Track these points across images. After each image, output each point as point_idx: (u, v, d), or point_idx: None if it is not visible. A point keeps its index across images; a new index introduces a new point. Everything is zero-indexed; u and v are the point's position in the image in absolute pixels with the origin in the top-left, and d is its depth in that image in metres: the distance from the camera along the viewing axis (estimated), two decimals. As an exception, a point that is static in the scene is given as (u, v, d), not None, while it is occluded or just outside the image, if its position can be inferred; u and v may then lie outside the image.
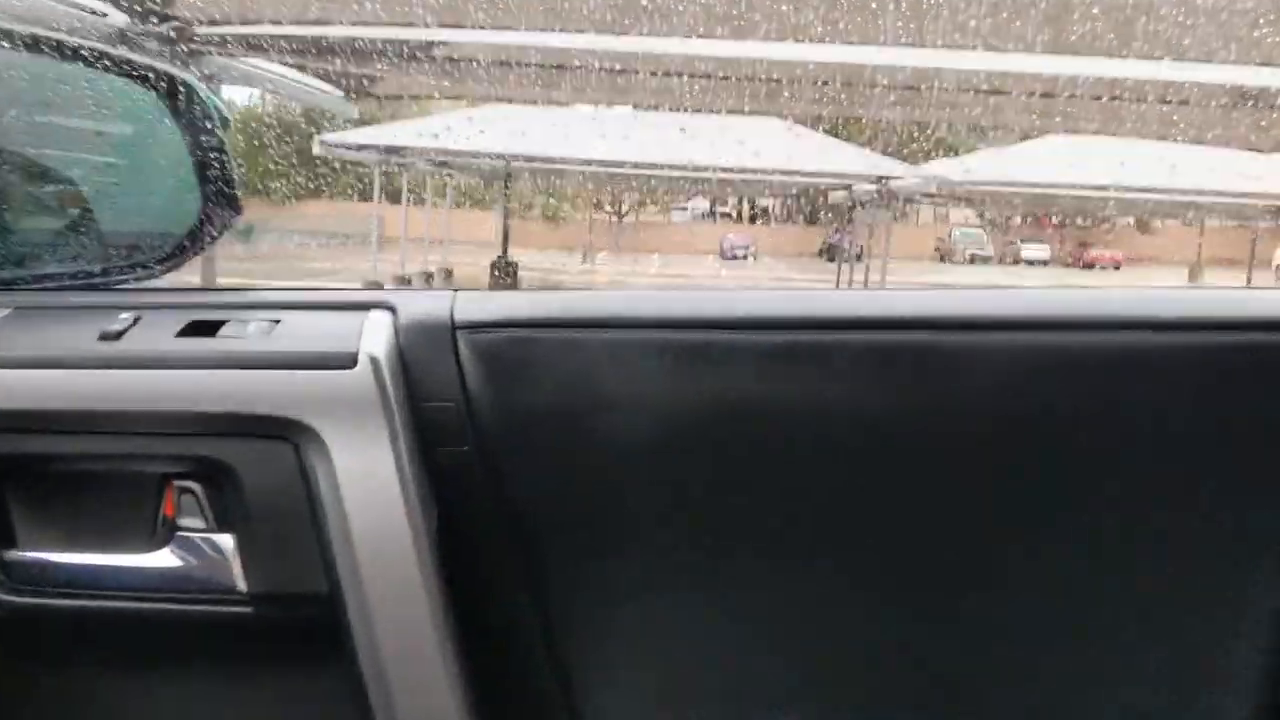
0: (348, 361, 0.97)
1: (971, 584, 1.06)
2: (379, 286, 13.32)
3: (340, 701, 1.00)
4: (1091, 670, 1.07)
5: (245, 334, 1.00)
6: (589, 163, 14.18)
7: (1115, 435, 1.03)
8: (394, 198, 16.31)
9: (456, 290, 1.07)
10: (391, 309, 1.04)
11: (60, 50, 1.17)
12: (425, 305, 1.04)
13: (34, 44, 1.17)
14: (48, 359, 0.97)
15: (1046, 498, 1.03)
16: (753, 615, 1.07)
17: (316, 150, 13.22)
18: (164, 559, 0.99)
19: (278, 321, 1.02)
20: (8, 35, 1.13)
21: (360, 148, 13.98)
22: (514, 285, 14.70)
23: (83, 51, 1.16)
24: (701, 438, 1.02)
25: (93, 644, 1.05)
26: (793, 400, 1.01)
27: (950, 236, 29.63)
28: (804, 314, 1.04)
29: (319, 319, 1.04)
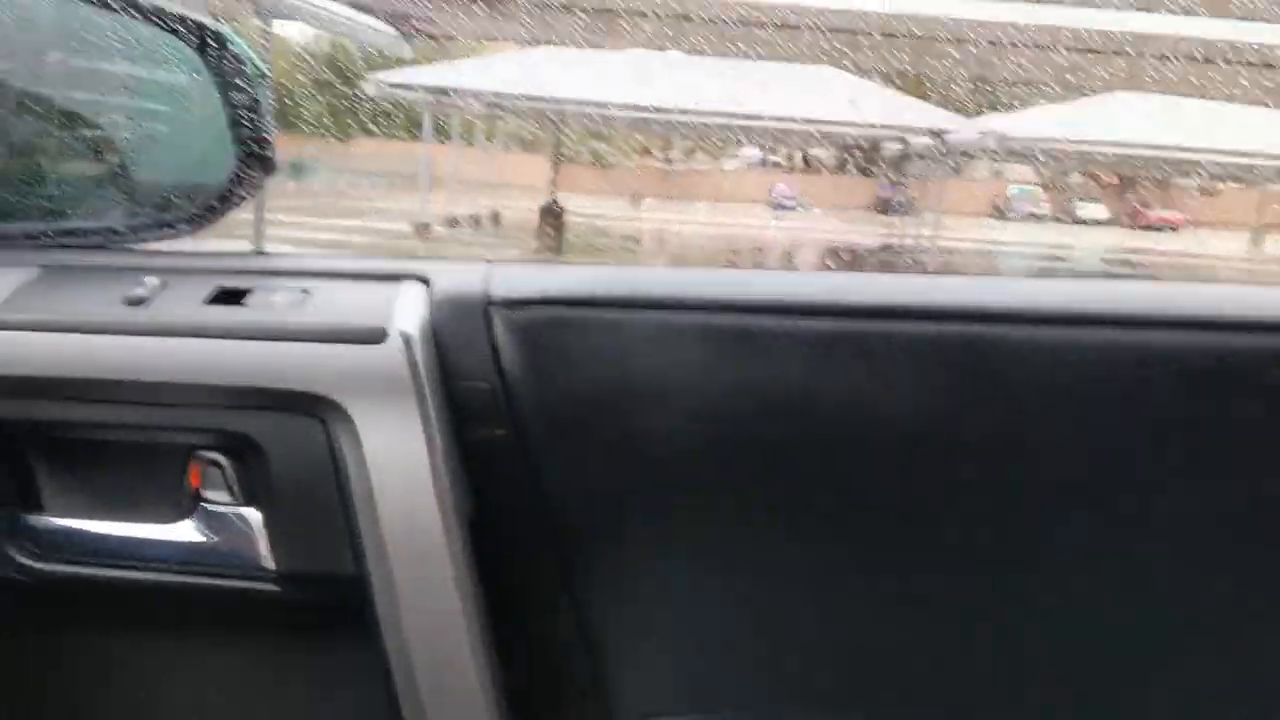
0: (378, 336, 0.94)
1: (1021, 587, 1.02)
2: (425, 228, 13.33)
3: (364, 685, 0.99)
4: (1157, 679, 1.03)
5: (274, 304, 0.97)
6: (640, 108, 14.03)
7: (1182, 441, 0.97)
8: (444, 138, 16.28)
9: (492, 262, 1.03)
10: (425, 281, 1.00)
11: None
12: (459, 278, 1.01)
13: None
14: (73, 323, 0.95)
15: (1104, 502, 0.99)
16: (791, 608, 1.04)
17: (369, 89, 13.19)
18: (189, 532, 0.97)
19: (307, 291, 0.99)
20: None
21: (412, 88, 13.93)
22: (560, 230, 14.64)
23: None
24: (744, 426, 0.98)
25: (116, 614, 1.04)
26: (841, 390, 0.97)
27: (1006, 193, 29.09)
28: (856, 301, 0.99)
29: (349, 289, 1.01)
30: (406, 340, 0.94)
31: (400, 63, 13.51)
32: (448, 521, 0.93)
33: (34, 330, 0.95)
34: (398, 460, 0.92)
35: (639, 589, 1.03)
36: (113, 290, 0.97)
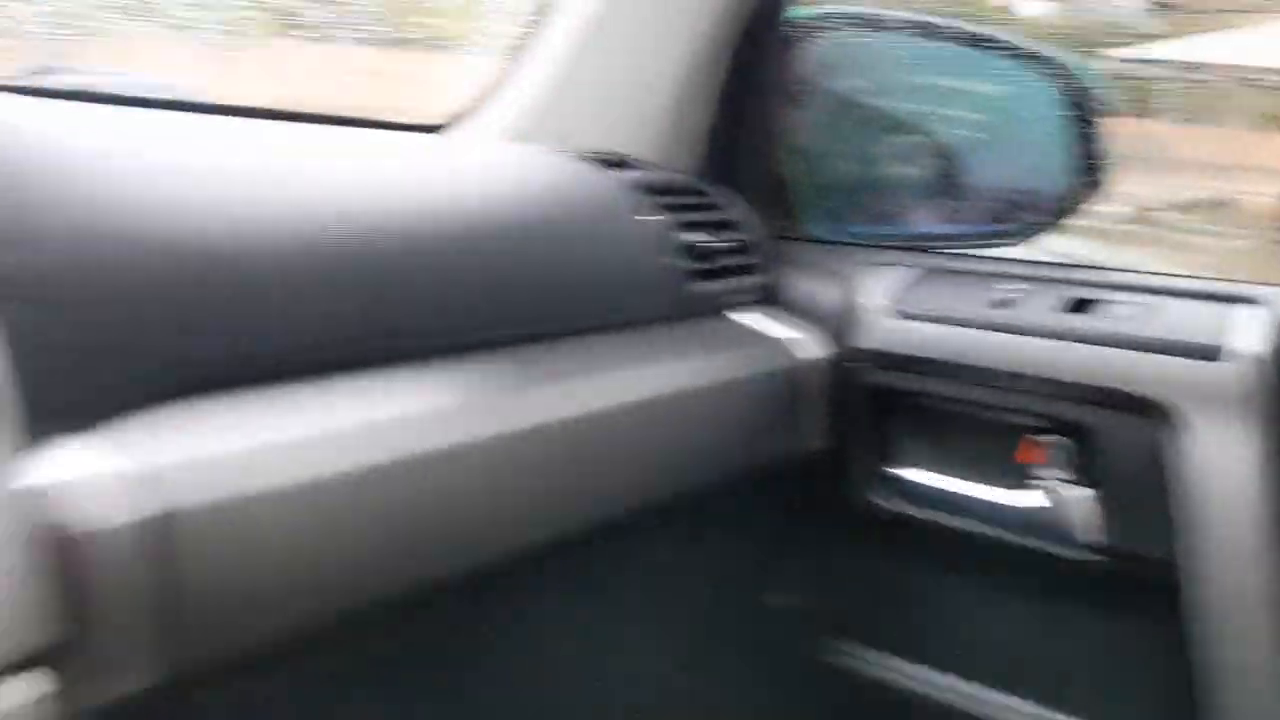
0: (1213, 353, 1.03)
1: None
2: (1147, 211, 12.53)
3: (1170, 659, 1.09)
4: None
5: (1117, 315, 1.11)
6: None
7: None
8: (1184, 118, 15.08)
9: None
10: (1262, 305, 1.06)
11: (962, 38, 1.37)
12: None
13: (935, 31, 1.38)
14: (948, 316, 1.18)
15: None
16: None
17: (1108, 65, 12.68)
18: (1020, 499, 1.16)
19: (1145, 306, 1.11)
20: (931, 29, 1.35)
21: (1154, 63, 13.11)
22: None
23: (977, 35, 1.35)
24: None
25: (948, 556, 1.27)
26: None
27: None
28: None
29: (1184, 306, 1.11)
30: (1242, 359, 1.02)
31: (1146, 37, 12.77)
32: (1268, 533, 1.00)
33: (915, 319, 1.20)
34: (1225, 468, 1.01)
35: None
36: (980, 293, 1.19)
